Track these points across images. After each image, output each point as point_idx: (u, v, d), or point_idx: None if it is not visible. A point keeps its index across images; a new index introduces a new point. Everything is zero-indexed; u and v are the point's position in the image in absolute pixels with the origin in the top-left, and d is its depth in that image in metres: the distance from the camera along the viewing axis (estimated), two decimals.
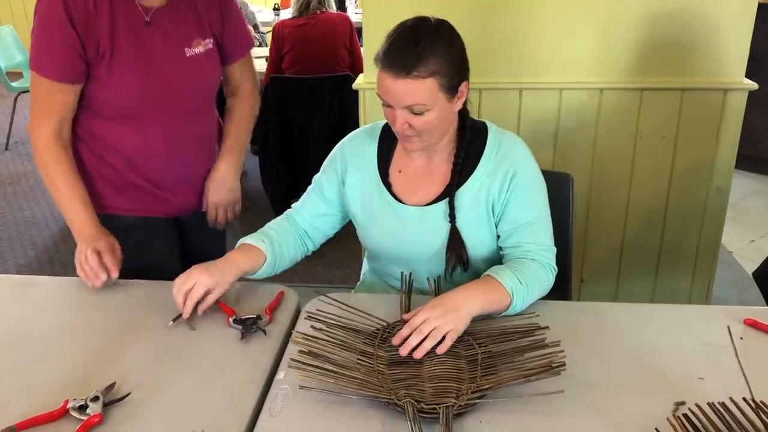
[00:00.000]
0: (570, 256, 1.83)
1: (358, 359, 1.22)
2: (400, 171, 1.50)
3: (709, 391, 1.15)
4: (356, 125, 1.76)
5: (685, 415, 1.05)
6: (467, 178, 1.44)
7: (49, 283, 1.60)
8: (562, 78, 2.39)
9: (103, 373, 1.23)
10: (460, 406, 1.10)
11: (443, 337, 1.22)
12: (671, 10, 2.28)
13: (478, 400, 1.12)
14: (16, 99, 5.31)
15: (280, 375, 1.23)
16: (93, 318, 1.42)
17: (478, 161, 1.44)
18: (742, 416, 1.06)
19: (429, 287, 1.44)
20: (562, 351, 1.19)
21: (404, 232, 1.47)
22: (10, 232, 3.79)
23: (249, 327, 1.35)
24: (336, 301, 1.40)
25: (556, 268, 1.44)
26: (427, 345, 1.21)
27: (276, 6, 5.32)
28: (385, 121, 1.49)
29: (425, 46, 1.28)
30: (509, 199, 1.42)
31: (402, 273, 1.46)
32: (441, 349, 1.21)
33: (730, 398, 1.08)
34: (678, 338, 1.32)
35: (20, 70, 5.35)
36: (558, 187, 1.83)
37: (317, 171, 1.59)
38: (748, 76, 2.37)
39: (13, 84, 5.14)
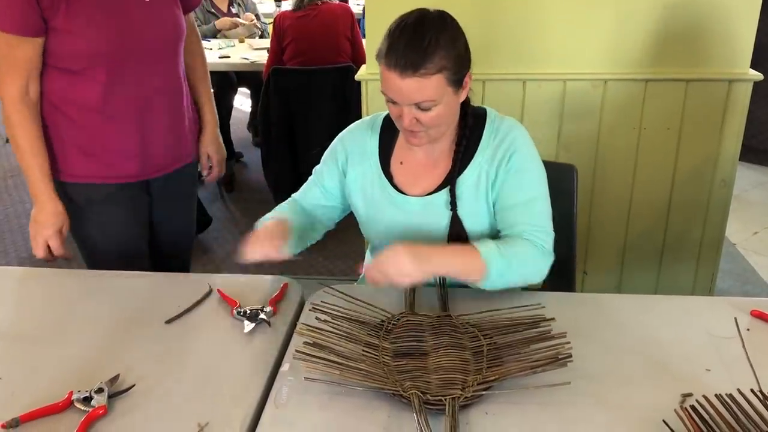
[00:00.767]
0: (574, 248, 1.82)
1: (363, 351, 1.22)
2: (401, 163, 1.49)
3: (716, 383, 1.15)
4: (359, 116, 1.75)
5: (693, 407, 1.04)
6: (467, 166, 1.43)
7: (52, 276, 1.60)
8: (565, 69, 2.38)
9: (108, 364, 1.23)
10: (466, 397, 1.10)
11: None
12: (676, 1, 2.27)
13: (484, 392, 1.12)
14: None
15: (285, 367, 1.22)
16: (97, 310, 1.42)
17: (477, 147, 1.44)
18: (750, 408, 1.05)
19: (435, 278, 1.43)
20: (569, 342, 1.18)
21: (406, 223, 1.47)
22: (12, 225, 3.79)
23: (254, 318, 1.34)
24: (340, 292, 1.40)
25: (552, 252, 1.39)
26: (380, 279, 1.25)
27: None
28: (386, 113, 1.49)
29: (431, 42, 1.26)
30: (505, 179, 1.41)
31: None
32: (370, 277, 1.26)
33: (738, 390, 1.08)
34: (683, 329, 1.31)
35: None
36: (562, 178, 1.82)
37: (319, 163, 1.59)
38: (752, 66, 2.35)
39: None
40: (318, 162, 1.60)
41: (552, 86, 2.40)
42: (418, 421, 1.05)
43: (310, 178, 1.60)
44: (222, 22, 4.35)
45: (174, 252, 1.97)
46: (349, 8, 3.67)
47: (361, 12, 4.29)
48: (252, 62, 3.86)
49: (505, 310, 1.33)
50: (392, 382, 1.13)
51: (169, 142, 1.80)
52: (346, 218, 1.64)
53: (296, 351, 1.19)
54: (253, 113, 4.84)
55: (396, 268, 1.24)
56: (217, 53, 3.98)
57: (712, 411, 1.04)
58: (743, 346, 1.24)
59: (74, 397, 1.13)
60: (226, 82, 4.08)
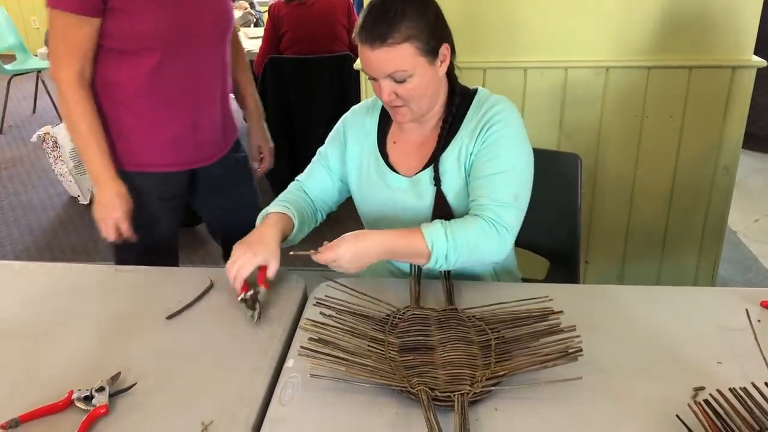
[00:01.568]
0: (578, 239, 1.80)
1: (369, 346, 1.19)
2: (394, 142, 1.51)
3: (729, 376, 1.13)
4: None
5: (707, 401, 1.02)
6: (450, 142, 1.44)
7: (49, 270, 1.57)
8: (567, 56, 2.35)
9: (108, 362, 1.20)
10: (475, 393, 1.08)
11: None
12: None
13: (493, 387, 1.10)
14: (9, 82, 5.23)
15: (290, 363, 1.20)
16: (96, 305, 1.39)
17: (461, 124, 1.43)
18: (764, 401, 1.03)
19: (437, 271, 1.41)
20: (578, 336, 1.16)
21: (395, 201, 1.48)
22: (7, 218, 3.75)
23: (254, 303, 1.32)
24: (344, 286, 1.38)
25: (511, 228, 1.34)
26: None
27: None
28: None
29: (396, 12, 1.29)
30: (479, 151, 1.39)
31: None
32: (318, 257, 1.30)
33: (752, 383, 1.06)
34: (693, 321, 1.29)
35: (13, 52, 5.26)
36: (565, 168, 1.80)
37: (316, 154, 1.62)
38: (756, 53, 2.33)
39: (7, 67, 5.06)
40: (322, 143, 1.61)
41: (554, 74, 2.37)
42: (427, 418, 1.03)
43: (314, 159, 1.62)
44: None
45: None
46: None
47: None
48: (247, 51, 3.81)
49: (511, 303, 1.31)
50: (399, 378, 1.11)
51: (217, 130, 1.81)
52: (349, 210, 1.63)
53: (301, 347, 1.16)
54: None
55: (336, 264, 1.29)
56: None
57: (726, 405, 1.02)
58: (755, 338, 1.22)
59: (75, 396, 1.10)
60: None
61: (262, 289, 1.35)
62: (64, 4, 1.52)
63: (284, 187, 1.61)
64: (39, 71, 5.26)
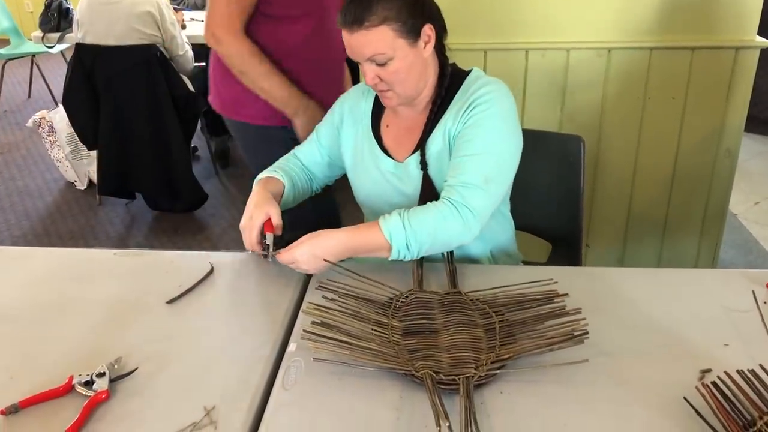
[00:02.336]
0: (581, 222, 1.78)
1: (373, 329, 1.18)
2: (387, 126, 1.51)
3: (735, 358, 1.12)
4: None
5: (714, 383, 1.01)
6: (436, 125, 1.42)
7: (47, 255, 1.55)
8: (569, 37, 2.32)
9: (109, 347, 1.19)
10: (480, 376, 1.07)
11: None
12: None
13: (498, 370, 1.09)
14: (3, 66, 5.18)
15: (292, 347, 1.19)
16: (95, 290, 1.38)
17: (449, 107, 1.42)
18: None
19: (441, 254, 1.40)
20: (584, 318, 1.15)
21: (386, 184, 1.48)
22: (3, 203, 3.73)
23: (267, 248, 1.38)
24: (346, 269, 1.36)
25: (477, 212, 1.30)
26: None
27: None
28: None
29: None
30: (459, 132, 1.37)
31: None
32: (279, 257, 1.33)
33: (760, 365, 1.05)
34: (697, 303, 1.28)
35: (7, 36, 5.20)
36: (568, 150, 1.78)
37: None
38: (759, 33, 2.30)
39: (1, 51, 5.01)
40: None
41: (555, 56, 2.34)
42: (432, 401, 1.01)
43: (310, 134, 1.63)
44: None
45: None
46: None
47: None
48: None
49: (515, 286, 1.30)
50: (403, 362, 1.10)
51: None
52: (349, 194, 1.61)
53: (304, 331, 1.15)
54: None
55: (295, 265, 1.32)
56: None
57: (734, 387, 1.01)
58: (762, 319, 1.21)
59: (75, 381, 1.09)
60: None
61: (269, 235, 1.39)
62: None
63: None
64: (33, 55, 5.21)
